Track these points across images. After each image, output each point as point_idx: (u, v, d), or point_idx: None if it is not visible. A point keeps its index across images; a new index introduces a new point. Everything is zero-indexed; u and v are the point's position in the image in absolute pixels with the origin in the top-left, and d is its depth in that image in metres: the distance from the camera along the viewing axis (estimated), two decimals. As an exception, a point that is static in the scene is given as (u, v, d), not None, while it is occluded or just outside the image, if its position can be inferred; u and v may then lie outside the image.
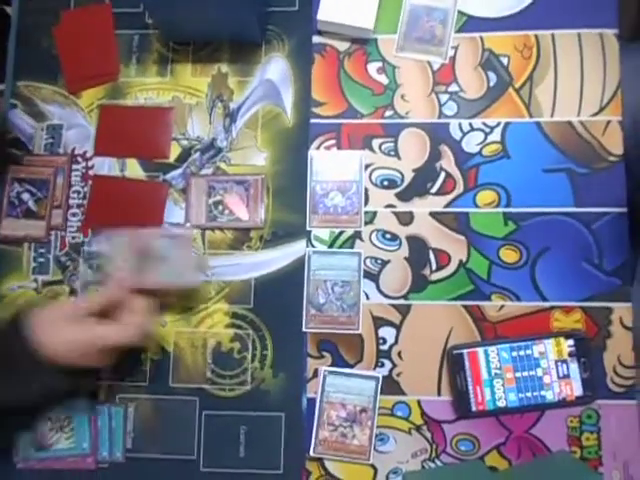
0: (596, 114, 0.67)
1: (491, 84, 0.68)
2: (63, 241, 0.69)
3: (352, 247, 0.67)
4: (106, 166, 0.70)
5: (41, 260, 0.69)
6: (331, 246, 0.67)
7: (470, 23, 0.69)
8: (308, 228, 0.67)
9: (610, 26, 0.68)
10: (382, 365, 0.64)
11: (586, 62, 0.68)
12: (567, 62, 0.68)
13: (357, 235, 0.67)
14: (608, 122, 0.67)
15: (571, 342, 0.62)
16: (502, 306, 0.64)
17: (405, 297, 0.65)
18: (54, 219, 0.69)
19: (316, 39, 0.71)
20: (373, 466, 0.63)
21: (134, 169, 0.70)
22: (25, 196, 0.70)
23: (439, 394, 0.64)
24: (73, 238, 0.69)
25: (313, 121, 0.69)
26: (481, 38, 0.69)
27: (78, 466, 0.64)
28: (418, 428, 0.63)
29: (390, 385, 0.64)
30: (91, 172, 0.70)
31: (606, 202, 0.65)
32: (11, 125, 0.71)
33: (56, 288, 0.68)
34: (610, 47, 0.68)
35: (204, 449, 0.64)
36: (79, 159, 0.71)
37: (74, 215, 0.69)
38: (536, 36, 0.69)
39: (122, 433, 0.64)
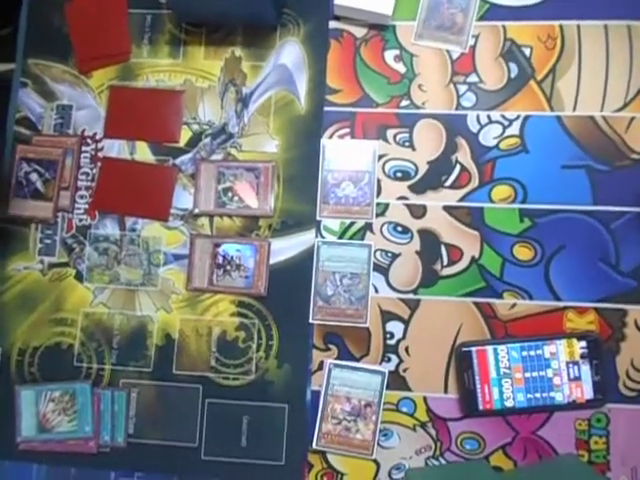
0: (620, 109, 0.64)
1: (512, 75, 0.66)
2: (70, 223, 0.68)
3: (362, 239, 0.65)
4: (115, 148, 0.69)
5: (47, 241, 0.68)
6: (341, 237, 0.66)
7: (492, 11, 0.67)
8: (318, 218, 0.66)
9: (638, 17, 0.65)
10: (389, 360, 0.63)
11: (612, 55, 0.65)
12: (592, 54, 0.65)
13: (368, 227, 0.65)
14: (632, 118, 0.64)
15: (584, 344, 0.61)
16: (514, 304, 0.63)
17: (415, 292, 0.64)
18: (61, 201, 0.68)
19: (333, 24, 0.69)
20: (376, 461, 0.62)
21: (144, 152, 0.69)
22: (33, 176, 0.69)
23: (446, 391, 0.63)
24: (80, 220, 0.68)
25: (327, 109, 0.68)
26: (503, 27, 0.67)
27: (80, 449, 0.64)
28: (423, 425, 0.62)
29: (396, 380, 0.63)
30: (100, 154, 0.69)
31: (626, 201, 0.63)
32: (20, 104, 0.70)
33: (61, 270, 0.67)
34: (638, 39, 0.65)
35: (206, 437, 0.64)
36: (89, 141, 0.70)
37: (82, 197, 0.69)
38: (561, 26, 0.66)
39: (124, 418, 0.64)
